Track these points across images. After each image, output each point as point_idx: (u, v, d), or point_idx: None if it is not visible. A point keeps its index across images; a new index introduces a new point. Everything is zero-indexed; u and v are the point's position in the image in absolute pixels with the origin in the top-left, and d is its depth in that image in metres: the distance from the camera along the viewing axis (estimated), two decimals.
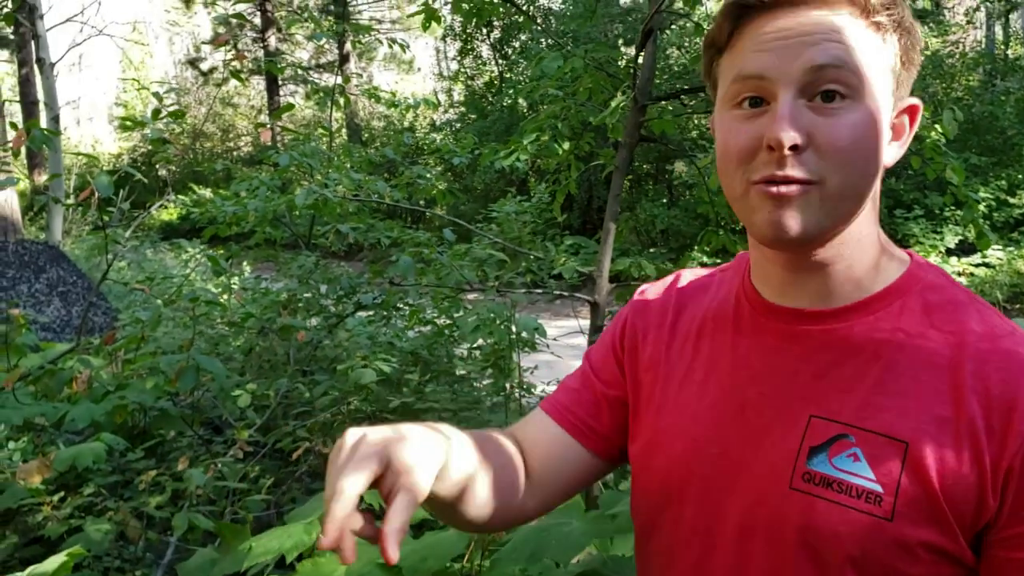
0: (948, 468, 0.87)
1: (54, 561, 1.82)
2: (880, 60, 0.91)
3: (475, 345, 4.65)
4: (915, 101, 0.97)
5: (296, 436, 3.56)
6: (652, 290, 1.21)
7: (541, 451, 1.16)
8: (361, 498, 0.80)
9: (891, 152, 0.96)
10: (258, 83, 28.08)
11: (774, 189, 0.88)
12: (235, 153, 28.54)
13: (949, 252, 12.93)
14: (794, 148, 0.86)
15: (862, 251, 0.97)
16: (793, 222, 0.88)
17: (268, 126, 4.11)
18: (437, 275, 3.65)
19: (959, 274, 12.11)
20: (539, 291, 3.49)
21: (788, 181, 0.87)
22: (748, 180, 0.91)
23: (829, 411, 0.93)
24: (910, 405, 0.89)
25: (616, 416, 1.16)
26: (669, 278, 1.22)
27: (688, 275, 1.20)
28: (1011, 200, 13.36)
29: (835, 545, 0.90)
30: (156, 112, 3.46)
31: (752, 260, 1.06)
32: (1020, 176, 13.59)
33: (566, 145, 3.38)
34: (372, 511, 0.80)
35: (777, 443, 0.95)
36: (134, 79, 25.12)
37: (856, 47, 0.88)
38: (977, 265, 12.44)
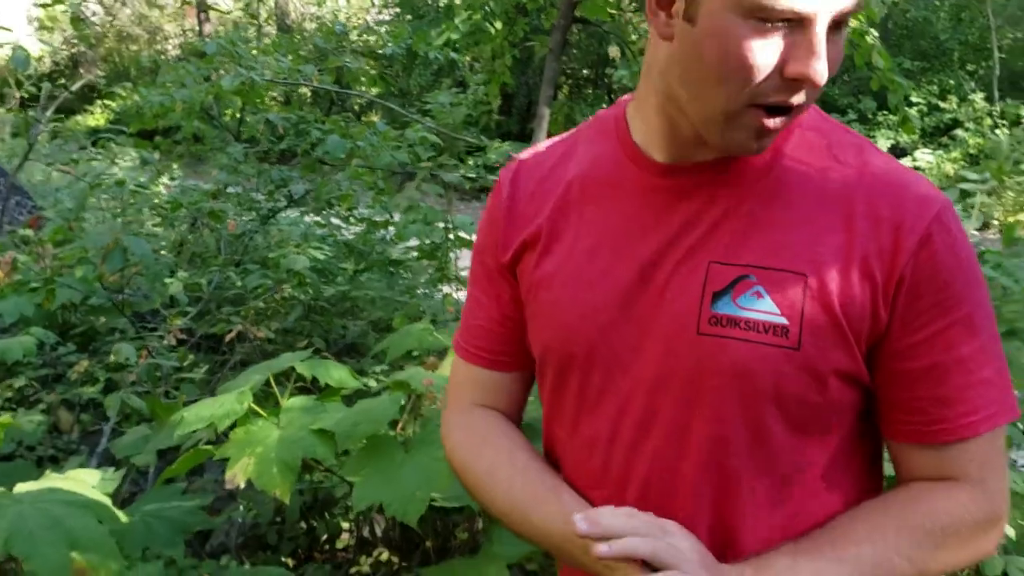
0: (845, 290, 0.91)
1: None
2: None
3: (410, 245, 4.59)
4: None
5: (229, 322, 3.54)
6: (511, 169, 1.16)
7: (504, 399, 1.20)
8: None
9: None
10: None
11: (770, 122, 0.88)
12: (162, 56, 27.58)
13: None
14: None
15: None
16: (763, 148, 0.93)
17: (192, 3, 3.97)
18: (367, 160, 3.59)
19: None
20: (472, 177, 3.48)
21: (788, 109, 0.88)
22: (750, 102, 0.87)
23: (728, 256, 0.95)
24: (808, 238, 0.93)
25: (519, 324, 1.15)
26: (523, 153, 1.19)
27: (541, 146, 1.17)
28: (942, 104, 13.61)
29: (750, 382, 0.92)
30: None
31: (651, 127, 1.01)
32: (951, 81, 13.82)
33: (499, 25, 3.32)
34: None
35: (678, 295, 0.97)
36: None
37: None
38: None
